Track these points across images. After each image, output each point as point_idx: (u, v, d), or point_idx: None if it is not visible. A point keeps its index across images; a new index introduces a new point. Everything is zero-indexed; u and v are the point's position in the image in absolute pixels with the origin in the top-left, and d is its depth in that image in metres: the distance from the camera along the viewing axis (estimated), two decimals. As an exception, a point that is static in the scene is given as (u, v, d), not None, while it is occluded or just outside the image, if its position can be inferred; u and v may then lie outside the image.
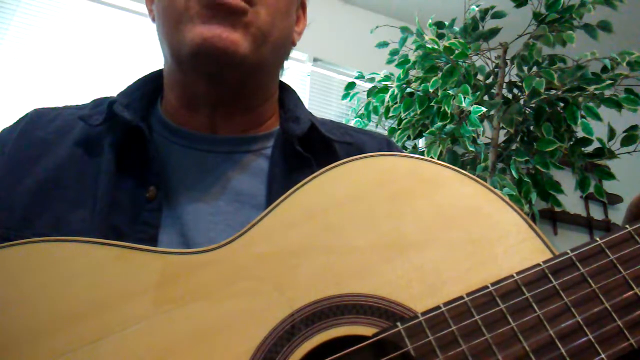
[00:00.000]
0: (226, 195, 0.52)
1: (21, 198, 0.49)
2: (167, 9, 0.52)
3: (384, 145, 0.64)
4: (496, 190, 0.42)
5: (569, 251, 0.37)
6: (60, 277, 0.37)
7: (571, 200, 2.60)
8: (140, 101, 0.57)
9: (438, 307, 0.35)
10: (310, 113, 0.62)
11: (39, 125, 0.56)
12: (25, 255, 0.38)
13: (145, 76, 0.62)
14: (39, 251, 0.38)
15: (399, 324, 0.34)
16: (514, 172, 1.89)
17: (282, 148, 0.55)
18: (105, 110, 0.54)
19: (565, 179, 2.10)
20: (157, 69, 0.63)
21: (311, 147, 0.56)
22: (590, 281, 0.36)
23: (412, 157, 0.45)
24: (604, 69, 1.89)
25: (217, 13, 0.48)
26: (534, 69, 1.98)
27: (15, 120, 0.58)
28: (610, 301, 0.35)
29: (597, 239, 0.38)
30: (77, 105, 0.62)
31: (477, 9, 2.04)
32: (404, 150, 0.66)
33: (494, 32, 2.01)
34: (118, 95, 0.57)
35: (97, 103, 0.60)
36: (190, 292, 0.37)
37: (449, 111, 1.83)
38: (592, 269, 0.36)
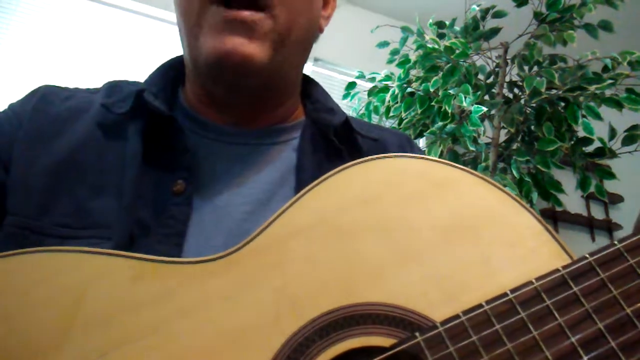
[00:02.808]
0: (258, 186, 0.51)
1: (38, 180, 0.47)
2: (183, 16, 0.51)
3: (405, 142, 0.63)
4: (510, 192, 0.41)
5: (587, 255, 0.37)
6: (67, 289, 0.36)
7: (572, 200, 2.59)
8: (165, 90, 0.55)
9: (457, 317, 0.34)
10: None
11: (52, 102, 0.54)
12: (31, 265, 0.36)
13: (168, 62, 0.60)
14: (43, 261, 0.37)
15: (417, 334, 0.33)
16: (514, 172, 1.88)
17: (311, 138, 0.54)
18: (129, 97, 0.52)
19: (566, 178, 2.09)
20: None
21: (341, 140, 0.55)
22: (611, 286, 0.35)
23: (423, 158, 0.43)
24: (605, 68, 1.88)
25: (231, 25, 0.46)
26: (535, 68, 1.98)
27: (24, 95, 0.56)
28: (632, 307, 0.34)
29: (616, 242, 0.37)
30: (88, 89, 0.59)
31: (477, 8, 2.03)
32: (422, 150, 0.65)
33: (495, 31, 2.00)
34: (145, 82, 0.55)
35: (113, 88, 0.57)
36: (198, 303, 0.36)
37: (449, 111, 1.83)
38: (612, 274, 0.35)
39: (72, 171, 0.48)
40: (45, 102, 0.54)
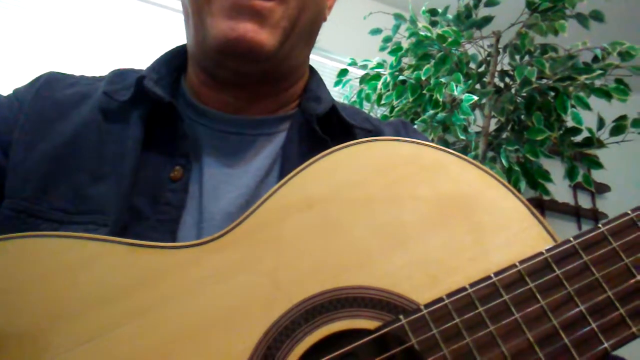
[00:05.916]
0: (249, 176, 0.51)
1: (37, 164, 0.47)
2: None
3: (400, 128, 0.62)
4: (498, 177, 0.41)
5: (571, 239, 0.37)
6: (60, 272, 0.36)
7: (560, 189, 2.62)
8: (168, 77, 0.55)
9: (441, 299, 0.34)
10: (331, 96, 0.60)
11: (56, 88, 0.54)
12: (26, 248, 0.36)
13: (172, 50, 0.59)
14: (37, 245, 0.37)
15: (401, 317, 0.34)
16: (504, 161, 1.89)
17: (299, 128, 0.54)
18: (133, 84, 0.52)
19: (555, 168, 2.11)
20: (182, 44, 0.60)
21: (330, 130, 0.54)
22: (593, 269, 0.35)
23: (413, 142, 0.43)
24: (595, 58, 1.89)
25: (242, 11, 0.46)
26: (526, 57, 1.98)
27: (29, 81, 0.56)
28: (613, 289, 0.35)
29: (600, 225, 0.38)
30: (93, 77, 0.59)
31: (470, -4, 2.02)
32: (421, 133, 0.64)
33: (487, 20, 2.00)
34: (147, 70, 0.55)
35: (117, 76, 0.57)
36: (185, 287, 0.36)
37: (440, 99, 1.83)
38: (595, 257, 0.36)
39: (73, 157, 0.48)
40: (49, 87, 0.54)
